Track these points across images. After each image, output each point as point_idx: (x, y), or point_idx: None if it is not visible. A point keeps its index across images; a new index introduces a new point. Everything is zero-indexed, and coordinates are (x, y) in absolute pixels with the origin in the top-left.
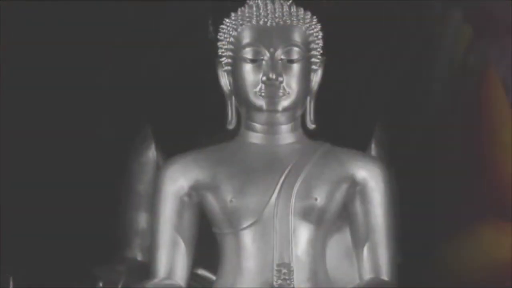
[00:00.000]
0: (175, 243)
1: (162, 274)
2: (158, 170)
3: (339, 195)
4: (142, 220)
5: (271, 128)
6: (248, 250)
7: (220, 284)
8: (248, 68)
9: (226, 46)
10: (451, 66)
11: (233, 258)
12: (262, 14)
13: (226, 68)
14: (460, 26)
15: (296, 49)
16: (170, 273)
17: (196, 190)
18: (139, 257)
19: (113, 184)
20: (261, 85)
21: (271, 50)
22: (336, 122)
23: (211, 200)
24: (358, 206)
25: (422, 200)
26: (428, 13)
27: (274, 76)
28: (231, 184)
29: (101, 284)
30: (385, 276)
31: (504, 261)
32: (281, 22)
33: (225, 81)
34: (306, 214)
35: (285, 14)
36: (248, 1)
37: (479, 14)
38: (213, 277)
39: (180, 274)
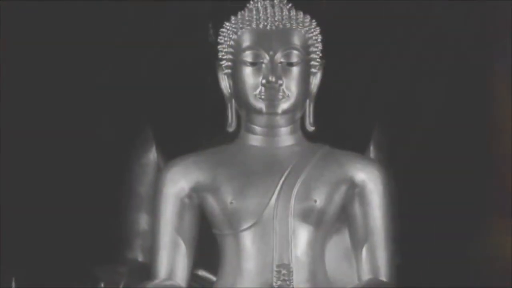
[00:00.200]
0: (175, 244)
1: (162, 275)
2: (159, 172)
3: (338, 197)
4: (143, 221)
5: (271, 130)
6: (248, 251)
7: (220, 285)
8: (248, 71)
9: (226, 49)
10: (452, 66)
11: (233, 259)
12: (262, 17)
13: (226, 71)
14: (460, 26)
15: (295, 52)
16: (170, 274)
17: (196, 191)
18: (140, 258)
19: (114, 185)
20: (261, 88)
21: (271, 53)
22: (335, 125)
23: (211, 202)
24: (357, 208)
25: (420, 201)
26: (428, 13)
27: (273, 79)
28: (231, 186)
29: (102, 285)
30: (383, 277)
31: (504, 261)
32: (281, 26)
33: (225, 84)
34: (306, 215)
35: (284, 17)
36: (248, 4)
37: (479, 14)
38: (213, 278)
39: (181, 275)
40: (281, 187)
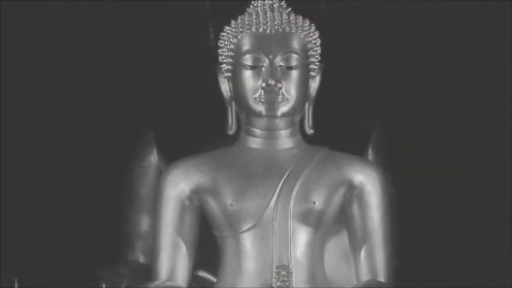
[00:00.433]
0: (176, 246)
1: (163, 276)
2: (160, 174)
3: (337, 199)
4: (144, 223)
5: (271, 133)
6: (248, 253)
7: (221, 286)
8: (248, 74)
9: (226, 53)
10: (452, 66)
11: (233, 260)
12: (262, 22)
13: (226, 74)
14: (460, 26)
15: (294, 56)
16: (171, 275)
17: (197, 193)
18: (141, 259)
19: (115, 186)
20: (260, 91)
21: (270, 57)
22: (334, 127)
23: (211, 204)
24: (355, 210)
25: (420, 202)
26: (428, 14)
27: (273, 82)
28: (231, 188)
29: (103, 286)
30: (382, 278)
31: (503, 262)
32: (280, 30)
33: (225, 87)
34: (305, 217)
35: (284, 21)
36: (248, 9)
37: (479, 14)
38: (214, 279)
39: (181, 276)
40: (281, 189)
